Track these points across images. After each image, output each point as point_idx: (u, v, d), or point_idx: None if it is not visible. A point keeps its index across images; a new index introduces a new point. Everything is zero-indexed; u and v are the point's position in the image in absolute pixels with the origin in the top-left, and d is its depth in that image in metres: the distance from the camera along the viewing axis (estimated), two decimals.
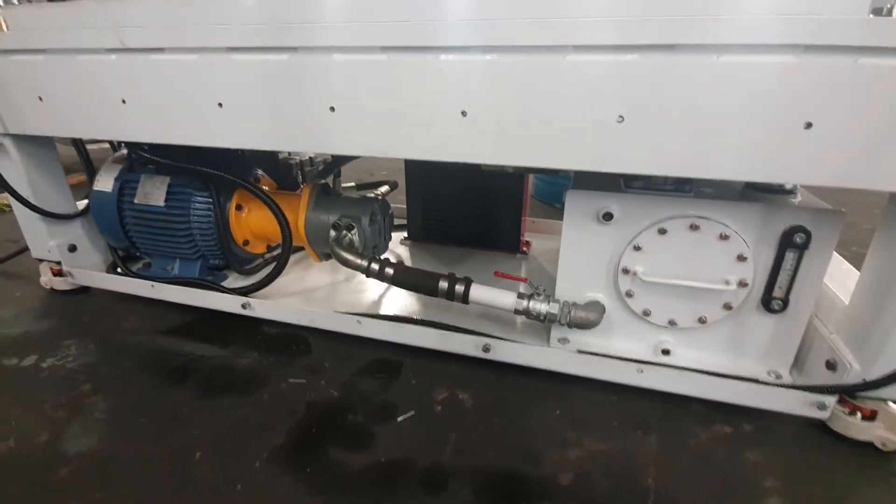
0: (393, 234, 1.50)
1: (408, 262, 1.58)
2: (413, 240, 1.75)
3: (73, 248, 1.48)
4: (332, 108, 0.96)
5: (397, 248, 1.72)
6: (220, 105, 1.03)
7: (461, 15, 0.83)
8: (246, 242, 1.40)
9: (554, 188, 2.54)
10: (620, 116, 0.81)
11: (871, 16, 0.69)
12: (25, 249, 1.54)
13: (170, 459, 0.92)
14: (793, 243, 0.91)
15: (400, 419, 1.02)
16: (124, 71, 1.08)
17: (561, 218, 1.05)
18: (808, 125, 0.73)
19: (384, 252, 1.40)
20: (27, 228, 1.45)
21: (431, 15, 0.85)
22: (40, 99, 1.18)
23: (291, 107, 0.99)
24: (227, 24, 0.96)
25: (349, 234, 1.25)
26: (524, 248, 1.66)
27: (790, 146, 0.75)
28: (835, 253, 1.01)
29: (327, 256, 1.37)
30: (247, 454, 0.93)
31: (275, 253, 1.57)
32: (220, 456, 0.93)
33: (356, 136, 0.98)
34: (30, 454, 0.94)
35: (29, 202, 1.35)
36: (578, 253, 1.05)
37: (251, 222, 1.37)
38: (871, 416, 0.93)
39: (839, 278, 1.09)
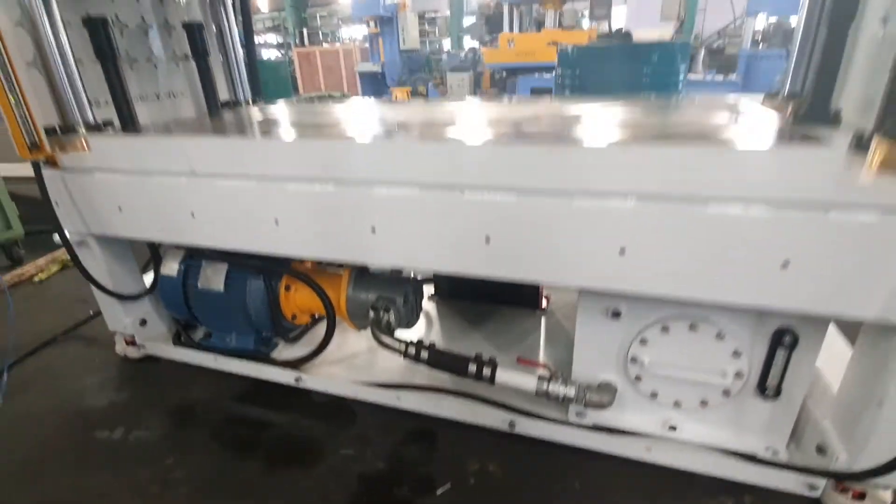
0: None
1: (435, 320, 1.74)
2: (440, 297, 1.90)
3: (143, 323, 1.68)
4: (373, 230, 1.12)
5: (425, 303, 1.87)
6: (276, 222, 1.20)
7: (485, 160, 0.98)
8: (294, 317, 1.58)
9: None
10: (622, 249, 0.94)
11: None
12: (98, 315, 1.74)
13: None
14: (782, 343, 1.03)
15: (439, 492, 1.17)
16: (194, 191, 1.26)
17: None
18: (786, 264, 0.85)
19: (416, 324, 1.55)
20: (105, 307, 1.66)
21: (459, 161, 1.00)
22: (120, 209, 1.38)
23: (337, 226, 1.15)
24: (282, 161, 1.13)
25: (387, 315, 1.41)
26: (543, 305, 1.79)
27: (770, 280, 0.87)
28: (830, 327, 1.12)
29: (365, 326, 1.53)
30: None
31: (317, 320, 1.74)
32: None
33: (394, 252, 1.13)
34: None
35: (107, 289, 1.55)
36: (591, 343, 1.18)
37: (298, 300, 1.55)
38: (860, 497, 1.04)
39: (833, 359, 1.20)
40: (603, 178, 0.91)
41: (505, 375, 1.24)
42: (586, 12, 9.93)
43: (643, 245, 0.92)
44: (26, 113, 1.33)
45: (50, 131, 1.38)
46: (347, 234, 1.15)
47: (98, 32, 1.45)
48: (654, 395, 1.18)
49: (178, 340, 1.69)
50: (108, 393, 1.59)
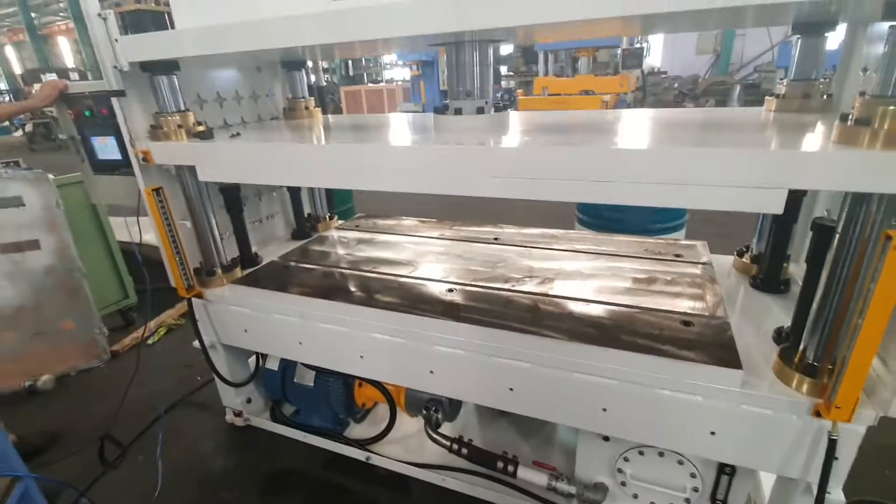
0: None
1: (472, 414, 2.19)
2: None
3: (249, 401, 2.20)
4: (432, 372, 1.59)
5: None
6: (362, 357, 1.69)
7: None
8: (364, 405, 2.06)
9: None
10: (605, 408, 1.37)
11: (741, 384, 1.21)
12: (208, 382, 2.26)
13: None
14: (725, 471, 1.42)
15: None
16: (302, 328, 1.76)
17: None
18: (713, 433, 1.26)
19: (456, 418, 2.00)
20: (221, 388, 2.19)
21: (494, 341, 1.45)
22: (245, 331, 1.90)
23: (405, 365, 1.62)
24: (368, 320, 1.62)
25: (436, 415, 1.87)
26: None
27: (701, 443, 1.28)
28: None
29: (416, 415, 2.00)
30: None
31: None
32: None
33: (450, 388, 1.60)
34: None
35: (228, 380, 2.08)
36: (589, 454, 1.60)
37: (368, 393, 2.03)
38: None
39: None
40: (589, 364, 1.34)
41: (524, 472, 1.68)
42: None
43: (620, 408, 1.35)
44: (185, 260, 1.87)
45: (196, 271, 1.93)
46: (414, 370, 1.62)
47: (231, 196, 2.00)
48: (635, 497, 1.59)
49: (273, 416, 2.21)
50: (222, 456, 2.12)
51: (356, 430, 2.11)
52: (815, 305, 1.17)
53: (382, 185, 1.37)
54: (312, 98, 2.25)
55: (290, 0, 1.30)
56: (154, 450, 2.02)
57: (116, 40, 1.53)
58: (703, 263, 1.79)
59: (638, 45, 8.53)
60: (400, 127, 1.80)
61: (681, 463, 1.46)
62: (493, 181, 1.21)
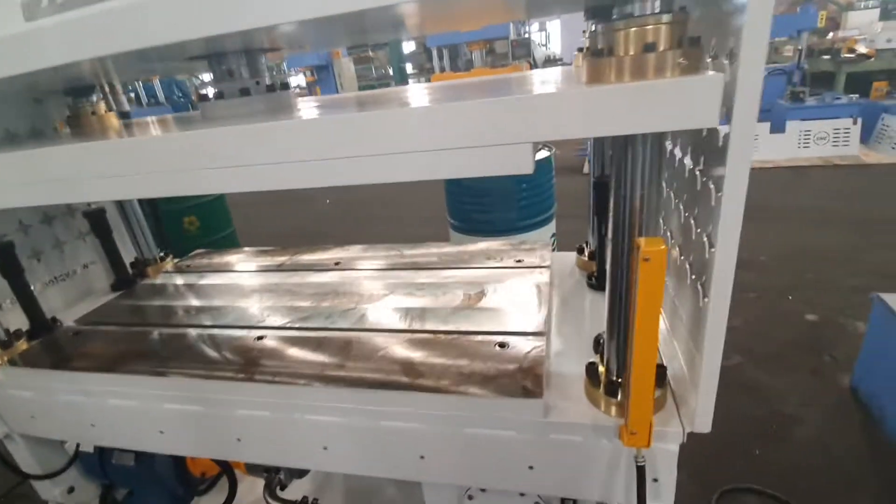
0: None
1: None
2: None
3: (71, 490, 1.87)
4: (239, 440, 1.36)
5: None
6: (161, 432, 1.43)
7: None
8: (203, 474, 1.80)
9: None
10: (422, 456, 1.21)
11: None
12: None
13: None
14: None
15: None
16: (92, 407, 1.47)
17: None
18: (531, 468, 1.14)
19: (307, 474, 1.80)
20: (35, 482, 1.84)
21: None
22: (32, 417, 1.58)
23: (208, 436, 1.39)
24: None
25: (278, 476, 1.65)
26: None
27: (522, 479, 1.16)
28: None
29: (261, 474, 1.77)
30: None
31: None
32: None
33: (261, 454, 1.38)
34: None
35: (27, 473, 1.75)
36: (436, 499, 1.45)
37: (201, 461, 1.77)
38: None
39: None
40: (397, 411, 1.18)
41: None
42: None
43: (437, 453, 1.20)
44: None
45: None
46: (218, 442, 1.39)
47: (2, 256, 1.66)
48: None
49: (103, 502, 1.89)
50: None
51: (205, 502, 1.84)
52: (606, 303, 1.07)
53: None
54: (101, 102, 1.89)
55: None
56: None
57: None
58: (542, 267, 1.69)
59: (526, 36, 8.64)
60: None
61: (523, 495, 1.34)
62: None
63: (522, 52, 8.51)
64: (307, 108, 1.26)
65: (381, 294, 1.65)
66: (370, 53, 15.61)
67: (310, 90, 9.75)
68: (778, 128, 5.43)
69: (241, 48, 1.29)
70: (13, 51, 1.01)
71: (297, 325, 1.52)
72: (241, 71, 1.33)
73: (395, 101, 1.17)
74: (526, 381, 1.12)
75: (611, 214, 0.96)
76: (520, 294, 1.53)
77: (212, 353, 1.45)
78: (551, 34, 16.43)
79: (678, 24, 0.77)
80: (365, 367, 1.28)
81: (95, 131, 1.65)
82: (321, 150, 0.88)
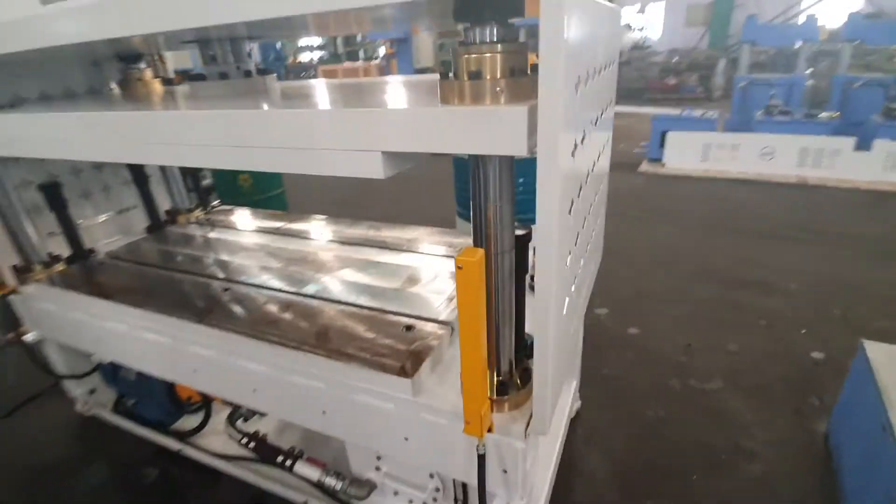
0: None
1: None
2: None
3: (92, 391, 2.28)
4: (195, 371, 1.61)
5: None
6: (141, 354, 1.72)
7: None
8: (189, 398, 2.11)
9: None
10: (324, 412, 1.38)
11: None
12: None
13: None
14: None
15: None
16: (89, 324, 1.80)
17: None
18: (406, 439, 1.27)
19: None
20: (65, 381, 2.27)
21: None
22: (59, 327, 1.95)
23: (173, 363, 1.66)
24: None
25: (241, 409, 1.91)
26: None
27: (398, 448, 1.29)
28: None
29: None
30: None
31: None
32: None
33: (208, 386, 1.63)
34: None
35: (55, 373, 2.15)
36: (355, 453, 1.62)
37: (188, 390, 2.07)
38: None
39: None
40: (304, 371, 1.35)
41: (300, 467, 1.71)
42: None
43: (335, 411, 1.36)
44: None
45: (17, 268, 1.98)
46: (179, 369, 1.65)
47: (50, 193, 2.03)
48: (396, 493, 1.61)
49: (116, 407, 2.28)
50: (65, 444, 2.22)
51: (190, 421, 2.16)
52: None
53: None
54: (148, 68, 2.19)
55: None
56: None
57: None
58: None
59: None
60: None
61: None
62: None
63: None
64: (263, 94, 1.43)
65: (338, 267, 1.82)
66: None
67: (387, 62, 10.03)
68: (864, 146, 4.83)
69: (224, 36, 1.48)
70: (29, 30, 1.26)
71: (257, 284, 1.74)
72: (226, 56, 1.52)
73: (314, 97, 1.31)
74: (407, 362, 1.24)
75: (471, 224, 1.04)
76: (450, 283, 1.62)
77: (186, 295, 1.70)
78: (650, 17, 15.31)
79: (510, 55, 0.83)
80: (291, 327, 1.46)
81: (137, 96, 1.94)
82: (213, 137, 1.04)
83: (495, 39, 0.84)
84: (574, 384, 2.14)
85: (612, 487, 1.89)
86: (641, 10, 13.78)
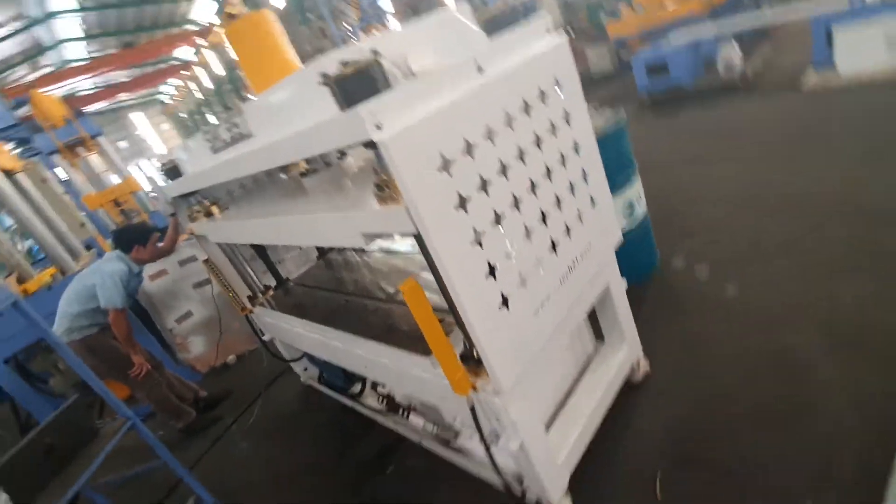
0: None
1: None
2: None
3: (305, 369, 3.47)
4: (335, 357, 2.50)
5: None
6: (318, 348, 2.70)
7: None
8: None
9: None
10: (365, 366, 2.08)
11: None
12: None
13: None
14: None
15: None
16: (290, 332, 2.86)
17: None
18: (444, 397, 1.87)
19: None
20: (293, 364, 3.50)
21: None
22: (274, 333, 3.11)
23: (324, 350, 2.58)
24: None
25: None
26: None
27: (443, 404, 1.90)
28: None
29: None
30: None
31: None
32: None
33: (342, 362, 2.50)
34: None
35: (281, 357, 3.36)
36: (444, 408, 2.29)
37: None
38: None
39: None
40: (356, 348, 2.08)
41: (413, 417, 2.47)
42: None
43: (376, 371, 2.05)
44: (234, 291, 3.16)
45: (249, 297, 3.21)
46: (328, 355, 2.56)
47: (257, 247, 3.20)
48: (471, 437, 2.22)
49: (319, 378, 3.42)
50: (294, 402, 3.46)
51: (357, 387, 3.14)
52: None
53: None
54: None
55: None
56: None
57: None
58: None
59: None
60: None
61: None
62: None
63: None
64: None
65: (405, 274, 2.49)
66: None
67: None
68: None
69: None
70: (207, 174, 2.24)
71: (356, 294, 2.53)
72: None
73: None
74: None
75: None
76: None
77: (329, 307, 2.60)
78: None
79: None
80: (353, 319, 2.22)
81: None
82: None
83: None
84: (622, 346, 2.34)
85: (655, 448, 2.10)
86: None
